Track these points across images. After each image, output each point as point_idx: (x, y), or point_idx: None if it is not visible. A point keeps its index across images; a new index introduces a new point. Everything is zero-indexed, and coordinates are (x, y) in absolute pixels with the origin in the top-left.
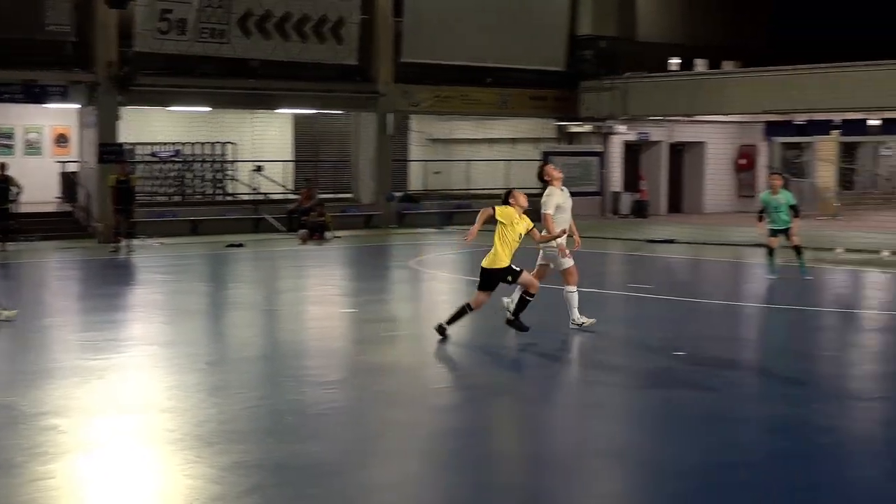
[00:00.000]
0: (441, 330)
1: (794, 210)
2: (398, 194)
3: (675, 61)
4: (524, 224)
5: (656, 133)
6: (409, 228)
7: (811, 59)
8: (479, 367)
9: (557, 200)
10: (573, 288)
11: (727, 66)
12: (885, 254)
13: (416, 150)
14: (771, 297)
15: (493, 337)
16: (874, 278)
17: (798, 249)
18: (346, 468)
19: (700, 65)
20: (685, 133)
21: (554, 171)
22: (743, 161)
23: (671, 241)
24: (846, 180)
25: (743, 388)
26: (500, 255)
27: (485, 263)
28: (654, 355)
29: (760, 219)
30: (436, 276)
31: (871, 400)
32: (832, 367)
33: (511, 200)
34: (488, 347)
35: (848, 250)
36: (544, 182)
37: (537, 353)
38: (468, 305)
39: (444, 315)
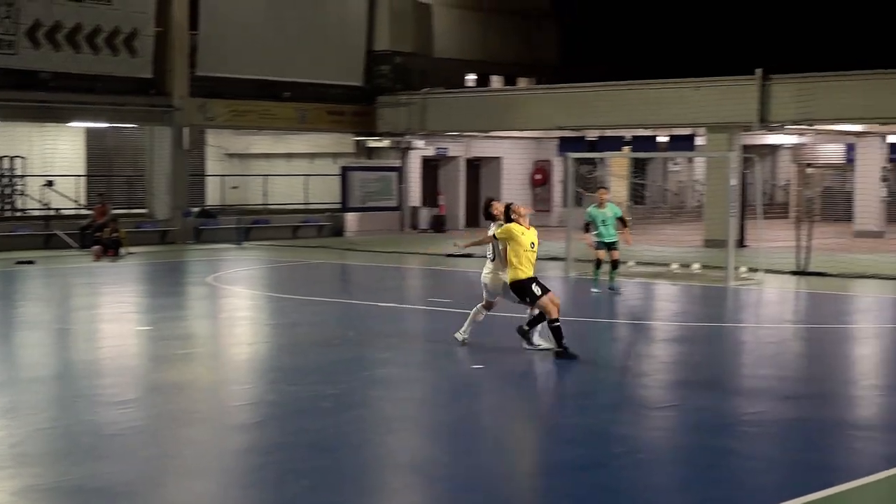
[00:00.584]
0: (560, 352)
1: (623, 222)
2: (195, 210)
3: (471, 77)
4: (533, 233)
5: (454, 148)
6: (207, 244)
7: (602, 77)
8: (275, 384)
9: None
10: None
11: (522, 83)
12: (675, 266)
13: (212, 165)
14: (567, 309)
15: (295, 355)
16: (665, 290)
17: (615, 264)
18: (143, 488)
19: (496, 81)
20: (482, 148)
21: (520, 209)
22: (538, 176)
23: (467, 256)
24: (637, 195)
25: (539, 400)
26: (518, 268)
27: (509, 279)
28: (453, 367)
29: (586, 230)
30: (234, 293)
31: (662, 409)
32: (626, 377)
33: (514, 216)
34: (287, 365)
35: (639, 263)
36: (491, 216)
37: (335, 370)
38: (552, 321)
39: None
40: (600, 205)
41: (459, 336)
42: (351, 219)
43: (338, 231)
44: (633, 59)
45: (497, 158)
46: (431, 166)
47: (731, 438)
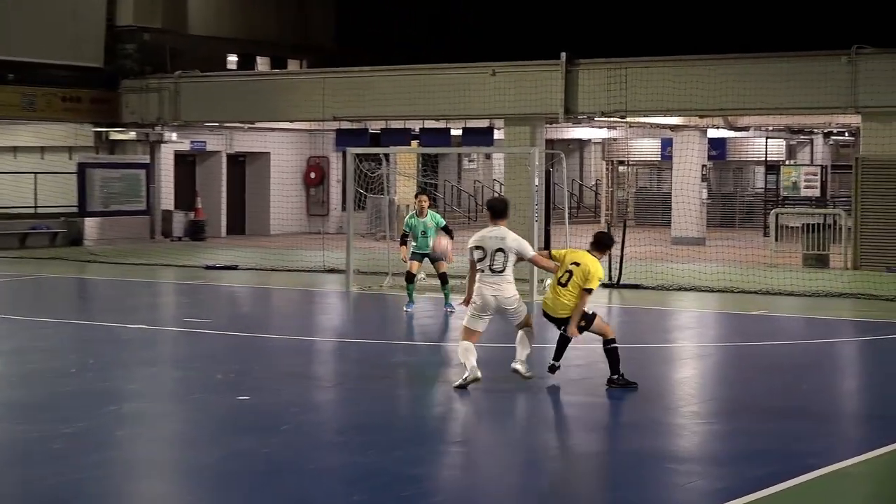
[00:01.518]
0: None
1: (448, 232)
2: None
3: (233, 59)
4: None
5: (213, 142)
6: None
7: (386, 60)
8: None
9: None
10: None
11: (293, 65)
12: (421, 276)
13: None
14: (349, 329)
15: (20, 388)
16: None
17: (444, 278)
18: None
19: (262, 64)
20: (247, 142)
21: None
22: (313, 175)
23: (233, 268)
24: (429, 197)
25: (318, 435)
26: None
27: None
28: (215, 400)
29: (403, 243)
30: None
31: (453, 444)
32: (414, 410)
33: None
34: (10, 400)
35: (430, 275)
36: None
37: (71, 405)
38: (608, 340)
39: None
40: (420, 213)
41: (521, 368)
42: (91, 225)
43: (75, 240)
44: (422, 40)
45: (265, 154)
46: (187, 163)
47: (541, 476)
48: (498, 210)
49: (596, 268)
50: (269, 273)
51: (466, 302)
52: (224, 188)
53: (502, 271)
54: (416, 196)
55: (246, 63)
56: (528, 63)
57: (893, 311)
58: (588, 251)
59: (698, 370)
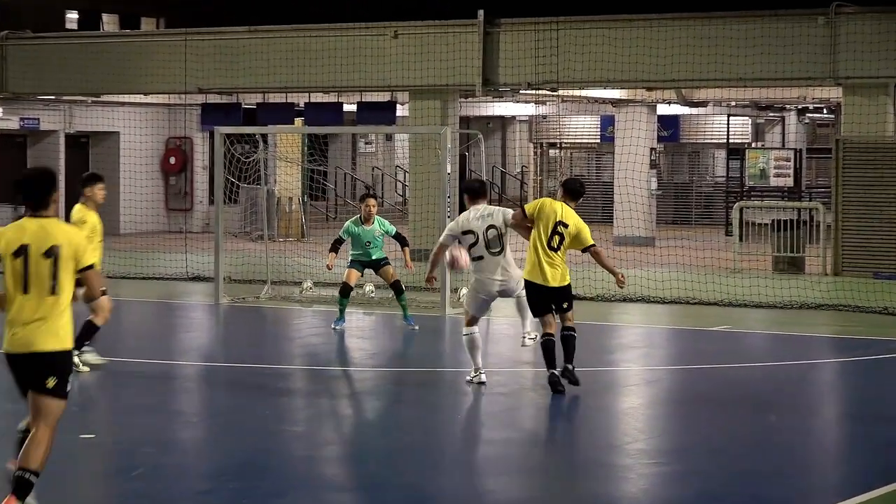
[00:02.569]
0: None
1: (401, 240)
2: None
3: (73, 16)
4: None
5: (49, 119)
6: None
7: (261, 19)
8: None
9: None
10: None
11: (147, 24)
12: (370, 289)
13: None
14: (219, 351)
15: None
16: (360, 323)
17: (398, 287)
18: None
19: (109, 23)
20: (91, 119)
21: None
22: (172, 160)
23: None
24: (315, 187)
25: (179, 481)
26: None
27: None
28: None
29: (334, 249)
30: None
31: (345, 491)
32: (299, 448)
33: None
34: None
35: (318, 283)
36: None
37: None
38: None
39: None
40: (366, 221)
41: (533, 337)
42: None
43: None
44: None
45: (113, 134)
46: (15, 145)
47: None
48: (475, 190)
49: (581, 220)
50: (119, 282)
51: (429, 279)
52: (62, 176)
53: (501, 251)
54: (361, 200)
55: (89, 22)
56: (437, 23)
57: (882, 325)
58: (563, 202)
59: (646, 399)
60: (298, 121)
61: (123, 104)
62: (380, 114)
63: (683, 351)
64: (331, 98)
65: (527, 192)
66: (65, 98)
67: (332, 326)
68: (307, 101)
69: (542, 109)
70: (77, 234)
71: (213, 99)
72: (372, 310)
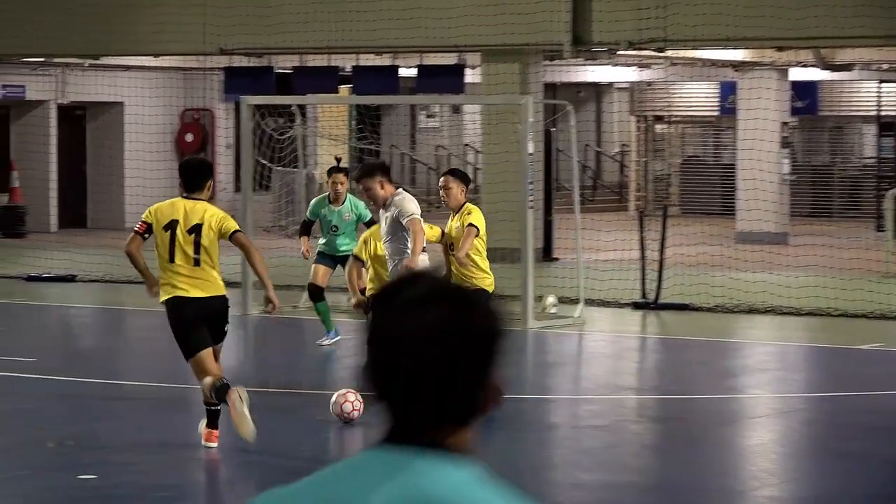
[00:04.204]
0: None
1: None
2: None
3: None
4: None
5: (37, 86)
6: None
7: None
8: None
9: None
10: None
11: None
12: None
13: None
14: (249, 371)
15: None
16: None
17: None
18: None
19: None
20: (88, 87)
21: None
22: (190, 137)
23: (68, 279)
24: None
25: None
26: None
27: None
28: (48, 477)
29: (305, 232)
30: None
31: None
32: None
33: None
34: None
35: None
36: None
37: None
38: None
39: None
40: (335, 200)
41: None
42: None
43: None
44: None
45: (115, 105)
46: None
47: None
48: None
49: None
50: (122, 287)
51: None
52: (54, 157)
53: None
54: (329, 174)
55: None
56: None
57: None
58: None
59: (777, 434)
60: (344, 89)
61: (128, 68)
62: (445, 80)
63: (824, 374)
64: (384, 61)
65: (627, 176)
66: (56, 61)
67: (319, 342)
68: (355, 64)
69: (647, 74)
70: (216, 214)
71: (239, 62)
72: None
